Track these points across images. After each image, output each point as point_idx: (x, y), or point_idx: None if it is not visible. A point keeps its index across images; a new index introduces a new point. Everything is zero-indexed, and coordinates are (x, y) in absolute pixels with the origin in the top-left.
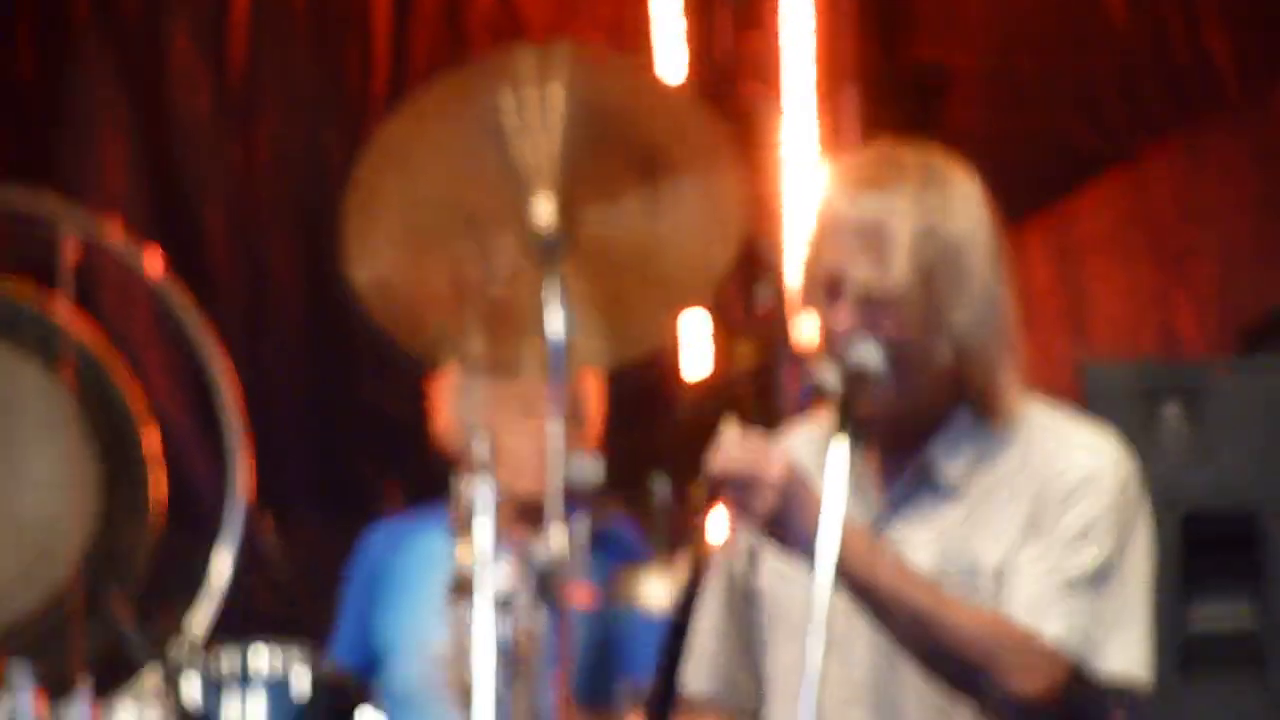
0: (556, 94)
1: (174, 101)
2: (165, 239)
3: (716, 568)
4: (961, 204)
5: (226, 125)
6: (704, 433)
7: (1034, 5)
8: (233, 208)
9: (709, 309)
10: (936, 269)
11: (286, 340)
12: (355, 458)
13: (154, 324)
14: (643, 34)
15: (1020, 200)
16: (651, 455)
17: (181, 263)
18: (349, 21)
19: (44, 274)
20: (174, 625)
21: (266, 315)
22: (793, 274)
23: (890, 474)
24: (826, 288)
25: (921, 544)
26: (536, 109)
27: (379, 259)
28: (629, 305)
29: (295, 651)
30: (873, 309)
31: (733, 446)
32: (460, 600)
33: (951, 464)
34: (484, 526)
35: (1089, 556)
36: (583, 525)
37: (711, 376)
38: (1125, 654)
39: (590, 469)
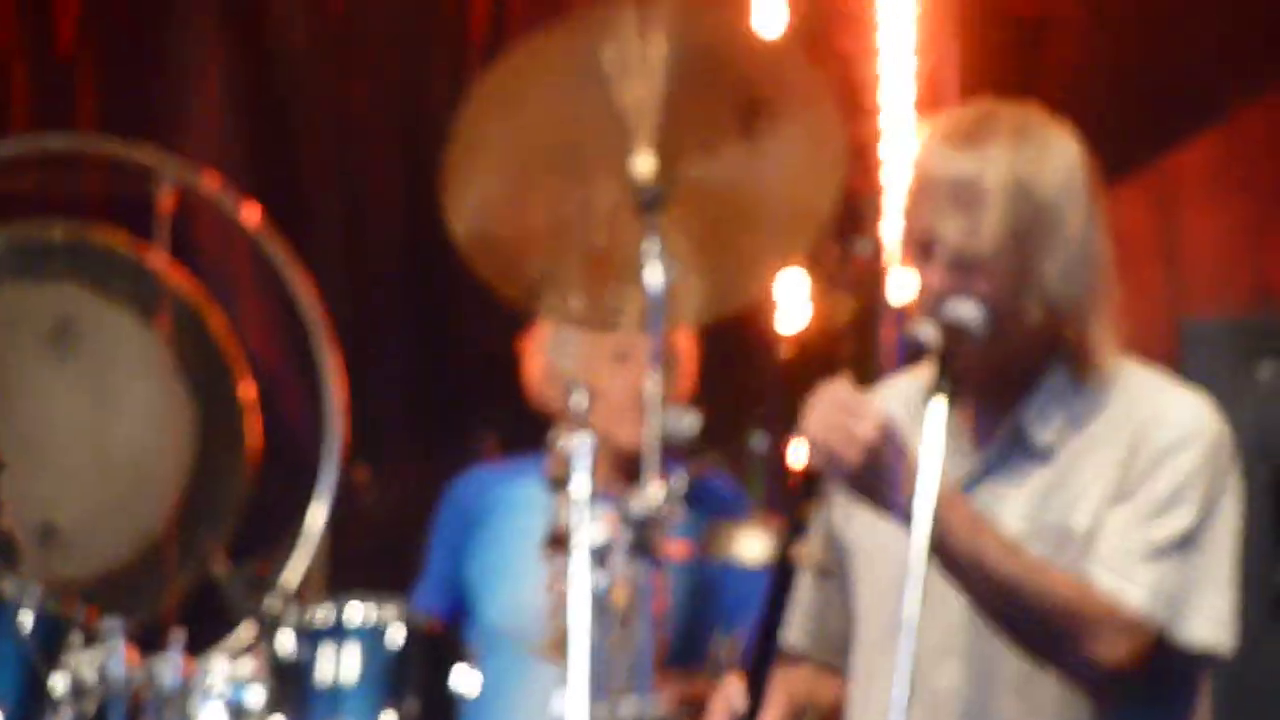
0: (658, 44)
1: (272, 43)
2: (262, 183)
3: (814, 523)
4: (1057, 161)
5: (324, 65)
6: (801, 387)
7: None
8: (328, 149)
9: (807, 261)
10: (1029, 229)
11: (385, 284)
12: (452, 404)
13: (251, 272)
14: None
15: (1120, 154)
16: (748, 409)
17: (279, 206)
18: None
19: (141, 223)
20: (269, 576)
21: (365, 258)
22: (891, 229)
23: (983, 433)
24: (920, 247)
25: (1012, 505)
26: (638, 59)
27: (479, 207)
28: (728, 256)
29: (390, 603)
30: (965, 269)
31: (827, 404)
32: (557, 553)
33: (1045, 427)
34: (581, 479)
35: (1177, 521)
36: (679, 478)
37: (809, 330)
38: (1209, 622)
39: (687, 422)
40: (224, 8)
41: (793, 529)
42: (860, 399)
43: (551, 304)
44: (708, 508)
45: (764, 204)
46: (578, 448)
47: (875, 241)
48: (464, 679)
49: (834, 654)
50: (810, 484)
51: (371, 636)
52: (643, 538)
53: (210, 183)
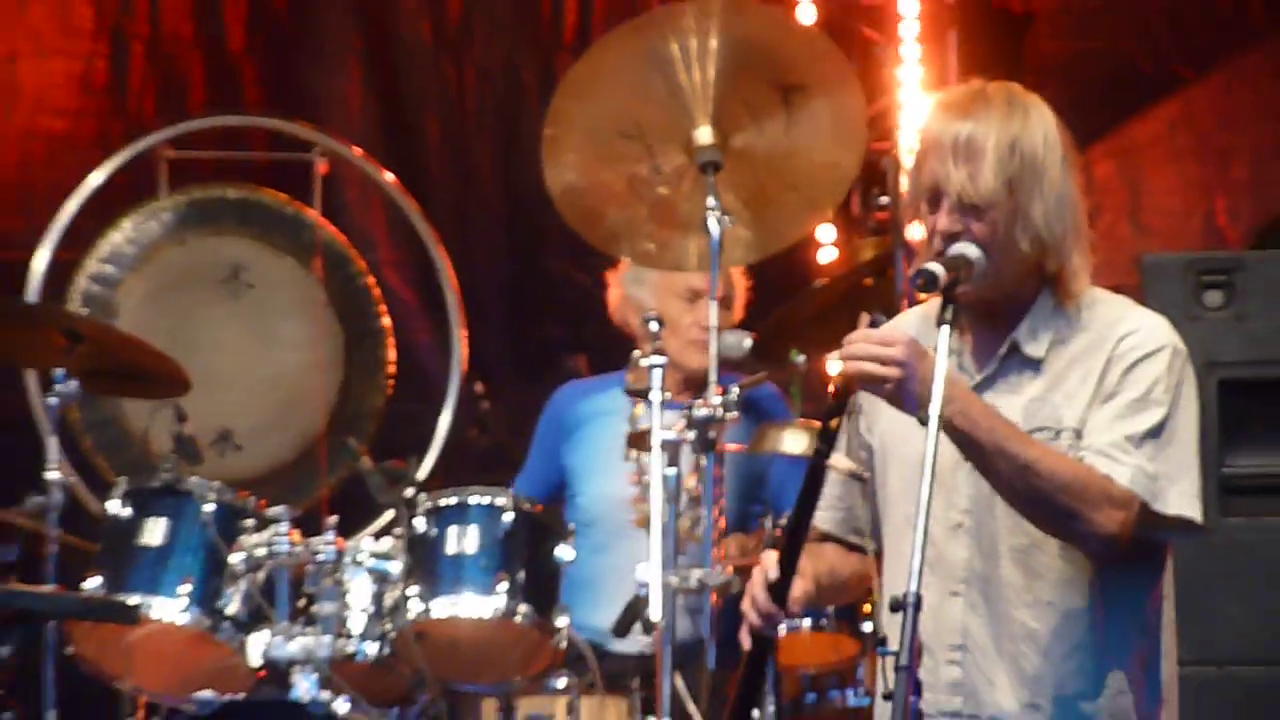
0: (712, 37)
1: (400, 36)
2: (394, 152)
3: (842, 427)
4: (1037, 125)
5: (442, 55)
6: (833, 314)
7: None
8: (446, 123)
9: (836, 212)
10: (1018, 178)
11: (491, 231)
12: (549, 331)
13: (386, 223)
14: None
15: (1091, 124)
16: (791, 332)
17: (407, 171)
18: None
19: (299, 185)
20: (405, 471)
21: (473, 212)
22: (904, 185)
23: (984, 352)
24: (929, 196)
25: (1011, 409)
26: (697, 49)
27: (570, 170)
28: (773, 208)
29: (502, 491)
30: (967, 212)
31: (862, 337)
32: (638, 449)
33: (1035, 343)
34: (657, 390)
35: (1150, 416)
36: (735, 389)
37: (838, 268)
38: (1184, 497)
39: (741, 343)
40: (362, 11)
41: (823, 438)
42: (887, 328)
43: (628, 248)
44: (758, 412)
45: (801, 166)
46: (653, 366)
47: (893, 195)
48: (563, 551)
49: (856, 535)
50: (838, 403)
51: (487, 517)
52: (706, 437)
53: (354, 152)
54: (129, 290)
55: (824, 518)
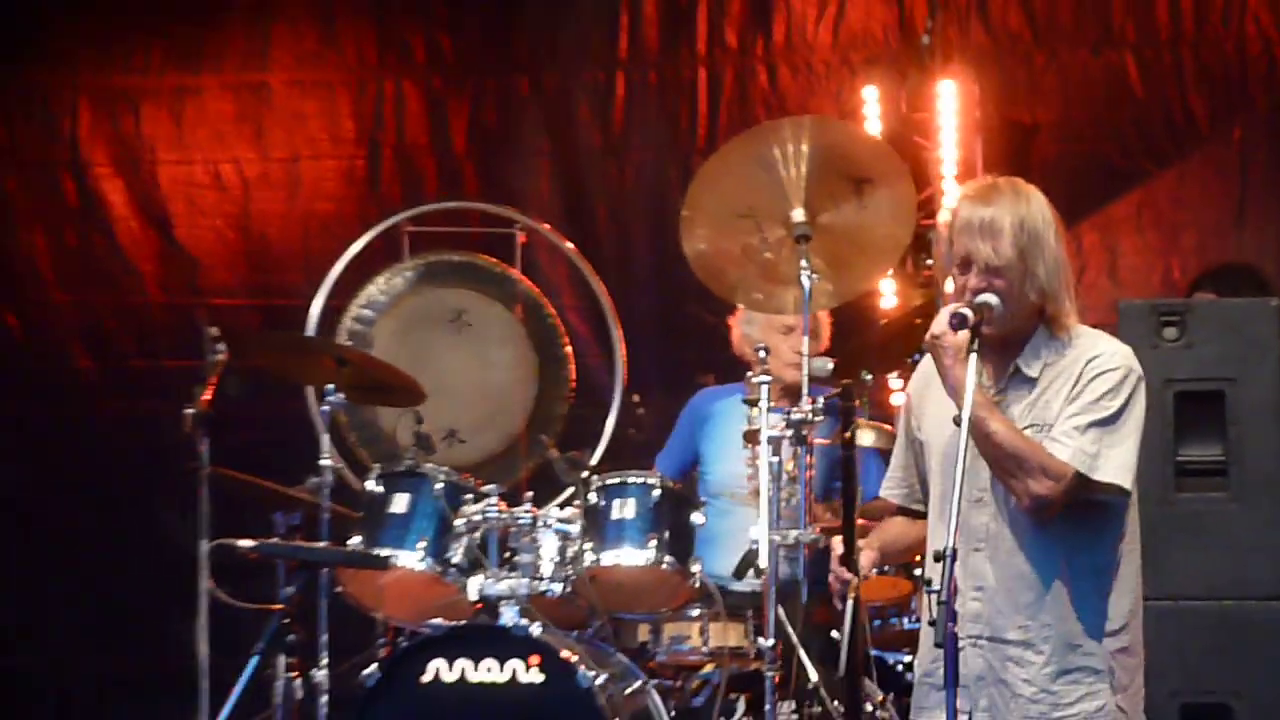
0: (805, 144)
1: (577, 143)
2: (574, 228)
3: (899, 423)
4: (1038, 208)
5: (608, 157)
6: (893, 344)
7: (1085, 83)
8: (611, 206)
9: (895, 270)
10: (1026, 248)
11: (644, 288)
12: (686, 357)
13: (568, 279)
14: (856, 107)
15: (1079, 205)
16: (861, 358)
17: (582, 242)
18: (681, 96)
19: (505, 251)
20: (582, 459)
21: (631, 271)
22: (943, 252)
23: (997, 372)
24: (960, 262)
25: (1017, 412)
26: (793, 152)
27: (700, 240)
28: (847, 268)
29: (652, 473)
30: (989, 273)
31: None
32: (752, 441)
33: (1032, 365)
34: (764, 399)
35: (1101, 412)
36: (821, 398)
37: (896, 311)
38: (1115, 472)
39: (825, 366)
40: (551, 124)
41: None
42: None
43: (743, 297)
44: (837, 415)
45: (868, 237)
46: (762, 382)
47: (935, 260)
48: (695, 516)
49: (918, 504)
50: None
51: (641, 492)
52: (800, 433)
53: (544, 227)
54: (381, 328)
55: (893, 493)
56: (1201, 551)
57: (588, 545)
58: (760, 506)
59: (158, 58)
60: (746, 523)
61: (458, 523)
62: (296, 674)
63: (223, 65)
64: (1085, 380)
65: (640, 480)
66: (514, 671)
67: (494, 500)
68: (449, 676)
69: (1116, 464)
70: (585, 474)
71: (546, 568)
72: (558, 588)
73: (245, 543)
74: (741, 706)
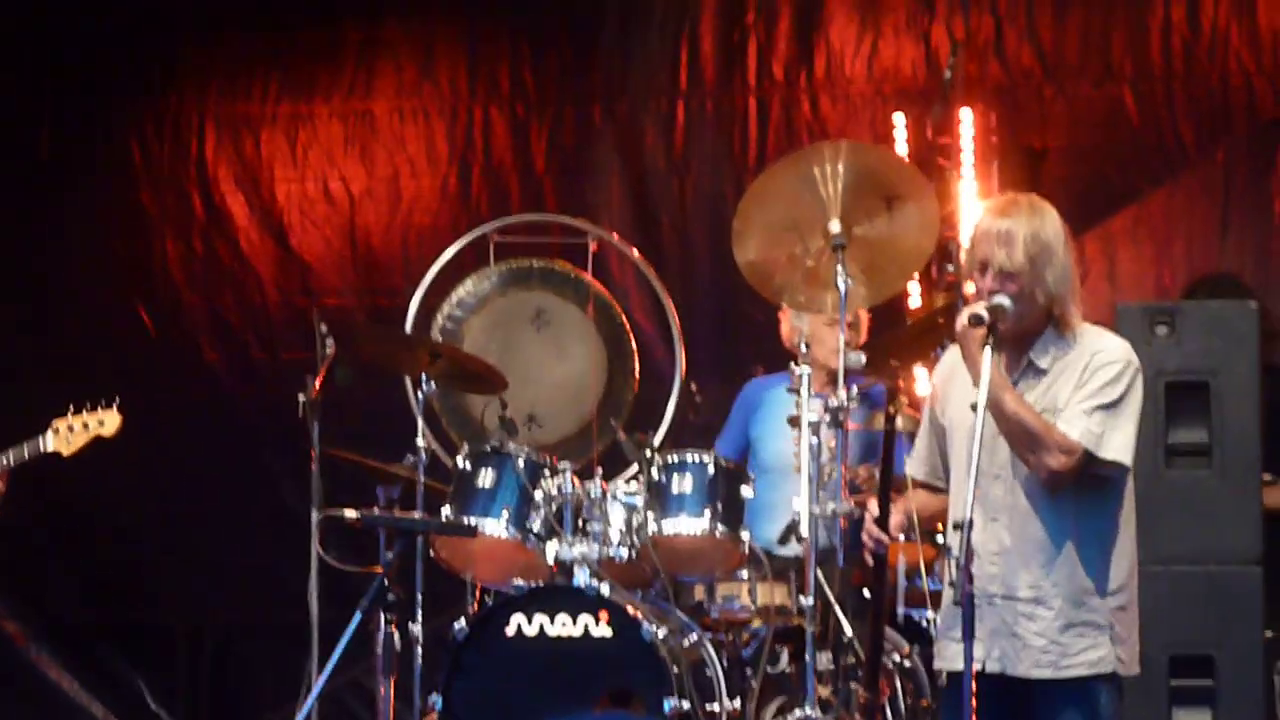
0: (841, 164)
1: (644, 163)
2: (639, 238)
3: (925, 409)
4: (1049, 222)
5: (671, 175)
6: (920, 340)
7: (1088, 112)
8: (673, 219)
9: (921, 276)
10: (1037, 256)
11: (702, 290)
12: (739, 350)
13: (635, 283)
14: (888, 133)
15: (1083, 219)
16: (890, 351)
17: (648, 250)
18: (734, 122)
19: (580, 258)
20: (646, 440)
21: (692, 277)
22: (963, 259)
23: (1012, 364)
24: (980, 267)
25: (1030, 399)
26: (831, 171)
27: (751, 249)
28: (879, 273)
29: (708, 452)
30: (1004, 278)
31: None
32: (796, 424)
33: (1043, 358)
34: (806, 387)
35: (1105, 398)
36: (855, 387)
37: (922, 310)
38: (1117, 450)
39: (860, 359)
40: (620, 146)
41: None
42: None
43: (788, 299)
44: (871, 401)
45: (898, 246)
46: (804, 374)
47: (956, 265)
48: (746, 490)
49: (938, 480)
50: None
51: (698, 469)
52: (837, 417)
53: (614, 237)
54: (470, 325)
55: (917, 469)
56: (1189, 522)
57: (650, 515)
58: (800, 482)
59: (275, 88)
60: (791, 495)
61: (537, 495)
62: (395, 628)
63: (333, 95)
64: (1091, 370)
65: (697, 458)
66: (586, 626)
67: (569, 476)
68: (529, 630)
69: (1119, 443)
70: (649, 453)
71: (614, 535)
72: (624, 553)
73: (351, 513)
74: (785, 657)
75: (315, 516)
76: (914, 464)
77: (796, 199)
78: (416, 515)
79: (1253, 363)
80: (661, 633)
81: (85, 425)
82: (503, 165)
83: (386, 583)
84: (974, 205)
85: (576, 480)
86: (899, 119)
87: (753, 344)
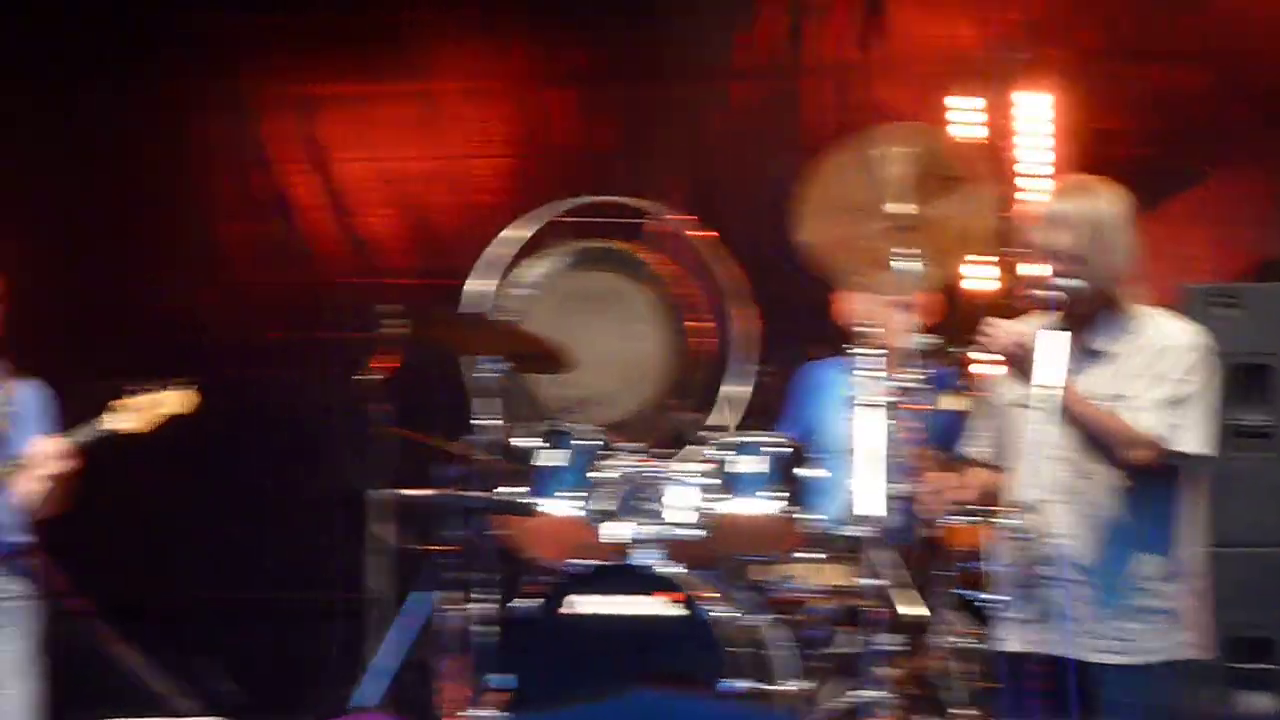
0: (903, 146)
1: (707, 146)
2: (702, 218)
3: (986, 392)
4: (1112, 205)
5: (733, 159)
6: (981, 320)
7: (1153, 93)
8: (736, 203)
9: (979, 257)
10: (1099, 239)
11: (762, 272)
12: (799, 331)
13: (695, 263)
14: (948, 113)
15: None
16: (955, 331)
17: (709, 231)
18: (794, 105)
19: (642, 239)
20: (706, 420)
21: (752, 258)
22: (1025, 241)
23: (1070, 347)
24: (1040, 250)
25: (1092, 384)
26: (894, 154)
27: (811, 231)
28: (941, 254)
29: (773, 433)
30: (1066, 260)
31: (1002, 326)
32: (855, 406)
33: (1102, 342)
34: (862, 370)
35: (1184, 390)
36: (924, 368)
37: (980, 292)
38: (1193, 441)
39: (926, 340)
40: (682, 129)
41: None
42: (1015, 325)
43: (847, 280)
44: (938, 383)
45: (960, 228)
46: (861, 354)
47: (1018, 247)
48: (808, 472)
49: (1000, 460)
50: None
51: (761, 449)
52: (907, 398)
53: (677, 218)
54: (534, 305)
55: (979, 453)
56: (1249, 504)
57: (713, 495)
58: (858, 462)
59: (340, 70)
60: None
61: (598, 475)
62: (456, 607)
63: (398, 76)
64: (1166, 359)
65: (759, 439)
66: (645, 606)
67: (630, 455)
68: (588, 610)
69: (1196, 434)
70: (708, 432)
71: (676, 514)
72: (684, 532)
73: (412, 492)
74: (846, 638)
75: (376, 494)
76: (974, 444)
77: (856, 181)
78: (479, 494)
79: None
80: (721, 613)
81: (157, 403)
82: (565, 146)
83: (447, 562)
84: (1036, 187)
85: (638, 459)
86: (958, 101)
87: (813, 324)
